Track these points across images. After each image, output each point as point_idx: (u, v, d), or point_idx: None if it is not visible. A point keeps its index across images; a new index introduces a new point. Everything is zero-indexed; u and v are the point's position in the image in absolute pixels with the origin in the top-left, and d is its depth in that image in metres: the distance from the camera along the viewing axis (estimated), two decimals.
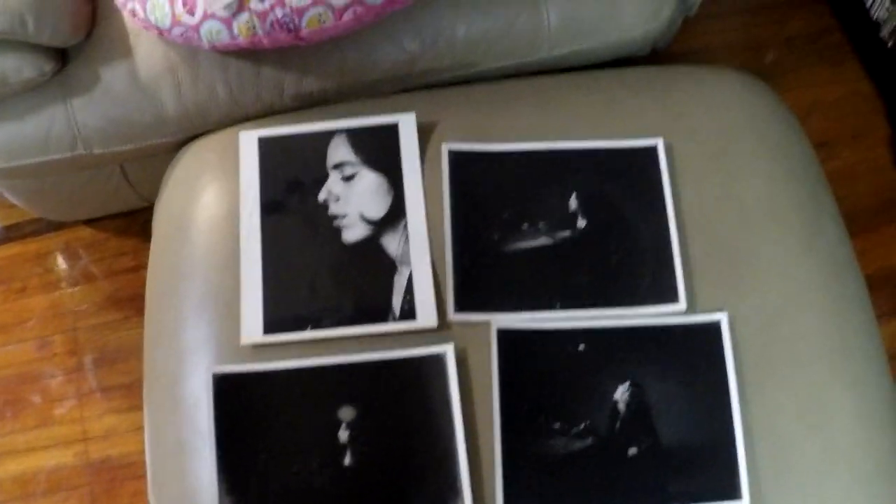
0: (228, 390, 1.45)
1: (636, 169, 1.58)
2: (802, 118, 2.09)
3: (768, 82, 1.76)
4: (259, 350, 1.48)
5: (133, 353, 2.15)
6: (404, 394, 1.44)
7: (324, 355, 1.46)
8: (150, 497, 1.50)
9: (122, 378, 2.14)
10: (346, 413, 1.42)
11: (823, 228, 1.56)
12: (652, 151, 1.59)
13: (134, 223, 2.29)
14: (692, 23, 2.27)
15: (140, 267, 2.24)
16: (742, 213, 1.55)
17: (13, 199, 2.05)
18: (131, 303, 2.21)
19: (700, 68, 1.75)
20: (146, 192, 2.07)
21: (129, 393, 2.12)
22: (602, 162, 1.59)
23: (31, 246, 2.31)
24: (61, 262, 2.28)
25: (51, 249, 2.30)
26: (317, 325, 1.48)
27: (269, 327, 1.48)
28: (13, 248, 2.31)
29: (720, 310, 1.48)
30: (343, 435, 1.41)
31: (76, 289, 2.25)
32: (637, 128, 1.63)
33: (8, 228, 2.34)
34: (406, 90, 1.78)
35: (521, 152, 1.60)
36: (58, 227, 2.32)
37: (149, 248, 1.71)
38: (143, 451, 1.87)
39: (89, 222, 2.31)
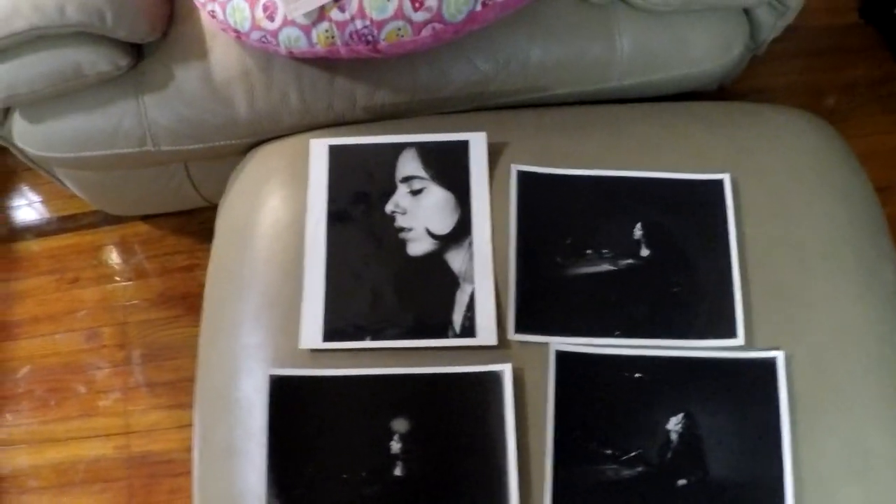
0: (284, 393, 1.46)
1: (702, 202, 1.58)
2: (861, 163, 2.09)
3: None
4: (316, 356, 1.49)
5: (181, 351, 2.17)
6: (459, 409, 1.44)
7: (381, 366, 1.47)
8: (195, 496, 1.51)
9: (169, 375, 2.16)
10: (400, 424, 1.43)
11: (881, 275, 1.56)
12: (718, 186, 1.59)
13: (191, 222, 2.31)
14: (756, 62, 2.27)
15: (194, 266, 2.26)
16: (802, 253, 1.55)
17: (74, 190, 2.07)
18: (183, 301, 2.23)
19: (768, 107, 1.76)
20: (208, 192, 2.09)
21: (175, 390, 2.14)
22: (668, 193, 1.59)
23: (87, 238, 2.33)
24: (116, 256, 2.30)
25: (106, 243, 2.32)
26: (376, 335, 1.49)
27: (329, 335, 1.49)
28: (69, 239, 2.34)
29: (776, 348, 1.47)
30: (395, 446, 1.42)
31: (129, 283, 2.27)
32: (703, 161, 1.63)
33: (64, 219, 2.37)
34: (476, 109, 1.80)
35: (589, 178, 1.60)
36: (114, 221, 2.34)
37: (205, 249, 1.72)
38: (184, 450, 1.89)
39: (146, 219, 2.34)
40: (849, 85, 2.44)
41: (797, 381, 1.45)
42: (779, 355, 1.46)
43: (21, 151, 1.84)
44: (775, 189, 1.60)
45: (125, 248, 2.31)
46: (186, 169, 1.99)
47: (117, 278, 2.27)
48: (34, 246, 2.34)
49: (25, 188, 2.43)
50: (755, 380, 1.45)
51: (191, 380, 1.58)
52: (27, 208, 2.40)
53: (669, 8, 1.70)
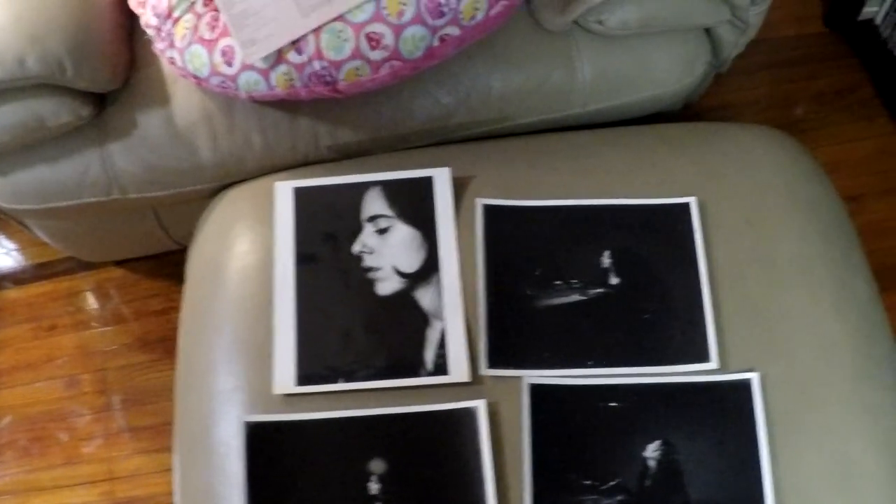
0: (260, 439, 1.45)
1: (669, 226, 1.58)
2: (832, 172, 2.08)
3: (798, 138, 1.76)
4: (291, 400, 1.49)
5: (162, 394, 2.16)
6: (435, 448, 1.44)
7: (355, 407, 1.47)
8: None
9: (151, 419, 2.15)
10: (377, 465, 1.42)
11: (854, 288, 1.56)
12: (684, 209, 1.59)
13: (165, 265, 2.31)
14: (723, 78, 2.28)
15: (170, 309, 2.25)
16: (773, 272, 1.55)
17: (46, 239, 2.07)
18: (161, 344, 2.22)
19: (733, 126, 1.76)
20: (179, 235, 2.09)
21: (157, 434, 2.13)
22: (635, 219, 1.59)
23: (63, 284, 2.33)
24: (92, 302, 2.29)
25: (82, 289, 2.32)
26: (349, 377, 1.49)
27: (302, 379, 1.49)
28: (44, 287, 2.33)
29: (751, 369, 1.47)
30: (373, 487, 1.41)
31: (106, 329, 2.26)
32: (670, 185, 1.63)
33: (39, 266, 2.36)
34: (441, 143, 1.79)
35: (555, 208, 1.60)
36: (89, 266, 2.34)
37: (180, 291, 1.72)
38: (168, 493, 1.88)
39: (120, 263, 2.33)
40: (817, 95, 2.45)
41: (775, 400, 1.45)
42: (753, 377, 1.46)
43: None
44: (743, 208, 1.61)
45: (101, 294, 2.30)
46: (156, 214, 1.98)
47: (94, 324, 2.26)
48: (10, 294, 2.33)
49: None
50: (731, 402, 1.45)
51: (172, 423, 1.58)
52: (1, 257, 2.39)
53: (628, 32, 1.70)
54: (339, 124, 1.72)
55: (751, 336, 1.51)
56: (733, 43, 1.87)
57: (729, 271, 1.55)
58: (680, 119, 1.86)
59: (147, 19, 1.67)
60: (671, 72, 1.82)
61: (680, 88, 1.86)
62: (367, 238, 1.58)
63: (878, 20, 2.39)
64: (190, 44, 1.61)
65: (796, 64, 2.49)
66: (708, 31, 1.86)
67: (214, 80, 1.61)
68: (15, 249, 2.40)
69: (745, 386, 1.46)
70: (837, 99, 2.44)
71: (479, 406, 1.45)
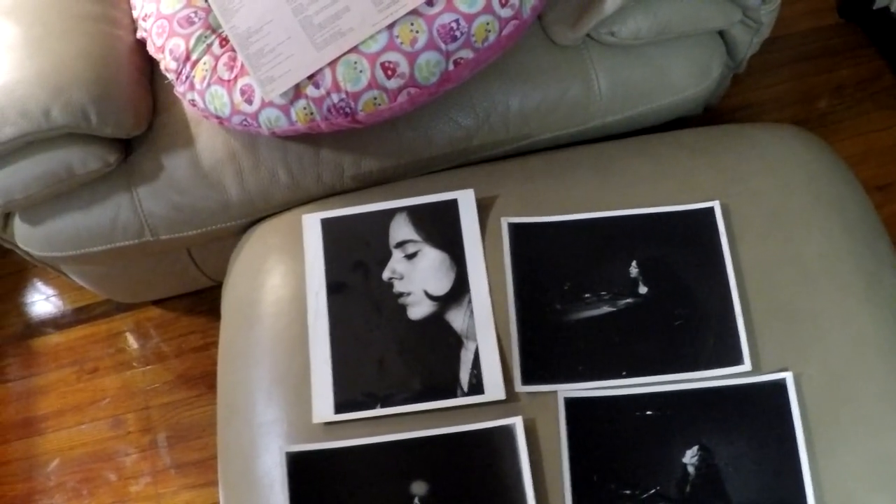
0: (302, 468, 1.47)
1: (694, 232, 1.59)
2: (859, 163, 2.08)
3: (821, 131, 1.76)
4: (330, 428, 1.50)
5: (206, 429, 2.18)
6: (475, 466, 1.45)
7: (394, 431, 1.48)
8: None
9: (196, 454, 2.17)
10: (419, 487, 1.44)
11: (884, 282, 1.56)
12: (709, 214, 1.60)
13: (202, 302, 2.33)
14: (742, 78, 2.28)
15: (210, 345, 2.28)
16: (801, 271, 1.55)
17: (83, 283, 2.10)
18: (202, 380, 2.24)
19: (753, 127, 1.76)
20: (213, 272, 2.11)
21: (204, 469, 2.15)
22: (660, 227, 1.60)
23: (102, 327, 2.35)
24: (132, 342, 2.32)
25: (121, 330, 2.34)
26: (386, 402, 1.50)
27: (340, 407, 1.50)
28: (84, 330, 2.36)
29: (785, 369, 1.48)
30: None
31: (148, 368, 2.28)
32: (693, 191, 1.64)
33: (78, 310, 2.39)
34: (463, 165, 1.81)
35: (580, 222, 1.61)
36: (127, 307, 2.37)
37: (218, 326, 1.73)
38: None
39: (158, 302, 2.36)
40: (838, 87, 2.44)
41: (810, 399, 1.45)
42: (787, 376, 1.46)
43: (25, 252, 1.87)
44: (768, 210, 1.61)
45: (140, 334, 2.32)
46: (189, 252, 2.00)
47: (135, 364, 2.29)
48: (52, 339, 2.36)
49: (38, 283, 2.45)
50: (767, 403, 1.46)
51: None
52: (42, 303, 2.42)
53: (641, 41, 1.71)
54: (362, 153, 1.74)
55: (782, 336, 1.51)
56: (748, 43, 1.87)
57: (757, 273, 1.56)
58: (702, 122, 1.86)
59: (166, 64, 1.70)
60: (688, 77, 1.82)
61: (698, 93, 1.86)
62: (396, 264, 1.60)
63: (894, 8, 2.38)
64: (209, 85, 1.63)
65: (815, 57, 2.49)
66: (721, 33, 1.86)
67: (236, 119, 1.64)
68: (53, 295, 2.43)
69: (779, 386, 1.46)
70: (859, 89, 2.43)
71: (516, 423, 1.46)
